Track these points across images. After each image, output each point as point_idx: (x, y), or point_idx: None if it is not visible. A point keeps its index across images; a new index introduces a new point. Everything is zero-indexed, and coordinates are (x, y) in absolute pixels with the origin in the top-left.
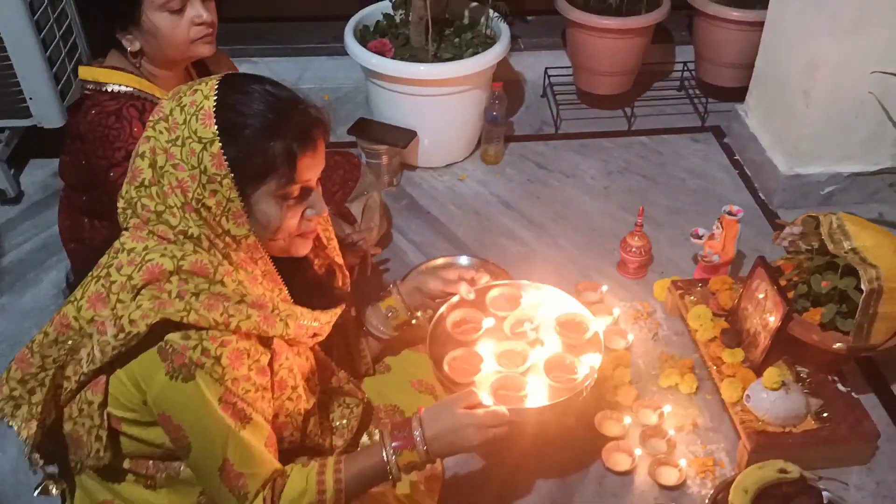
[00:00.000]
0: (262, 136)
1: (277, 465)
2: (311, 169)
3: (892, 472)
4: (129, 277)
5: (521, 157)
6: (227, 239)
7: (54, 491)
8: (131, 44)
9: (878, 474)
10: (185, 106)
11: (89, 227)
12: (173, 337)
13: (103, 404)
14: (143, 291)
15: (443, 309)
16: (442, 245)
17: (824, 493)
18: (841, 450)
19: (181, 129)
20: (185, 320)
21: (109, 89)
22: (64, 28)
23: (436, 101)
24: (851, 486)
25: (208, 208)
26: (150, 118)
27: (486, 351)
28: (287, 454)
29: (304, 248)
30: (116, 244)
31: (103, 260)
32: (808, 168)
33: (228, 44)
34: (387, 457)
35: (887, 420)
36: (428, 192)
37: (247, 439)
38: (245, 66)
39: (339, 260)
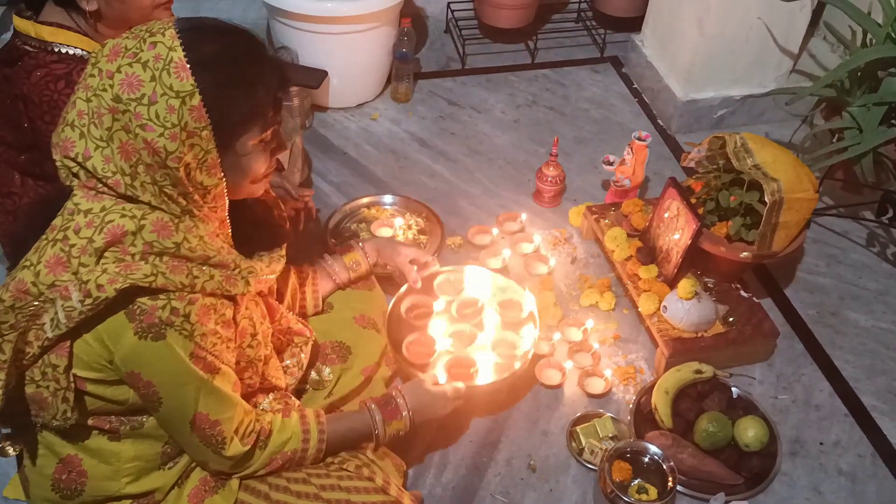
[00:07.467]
0: (245, 83)
1: (246, 405)
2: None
3: (789, 365)
4: (91, 240)
5: (431, 93)
6: (198, 194)
7: (12, 452)
8: (88, 3)
9: (778, 368)
10: (147, 62)
11: (20, 182)
12: (141, 298)
13: (69, 367)
14: (106, 254)
15: (394, 299)
16: (361, 185)
17: (733, 389)
18: (746, 349)
19: (148, 87)
20: (153, 285)
21: (56, 50)
22: None
23: (345, 39)
24: (756, 381)
25: (185, 164)
26: (81, 80)
27: (438, 333)
28: (244, 397)
29: (263, 188)
30: (69, 205)
31: (57, 222)
32: (702, 93)
33: None
34: (375, 425)
35: (782, 320)
36: (341, 133)
37: (218, 386)
38: None
39: (271, 192)
